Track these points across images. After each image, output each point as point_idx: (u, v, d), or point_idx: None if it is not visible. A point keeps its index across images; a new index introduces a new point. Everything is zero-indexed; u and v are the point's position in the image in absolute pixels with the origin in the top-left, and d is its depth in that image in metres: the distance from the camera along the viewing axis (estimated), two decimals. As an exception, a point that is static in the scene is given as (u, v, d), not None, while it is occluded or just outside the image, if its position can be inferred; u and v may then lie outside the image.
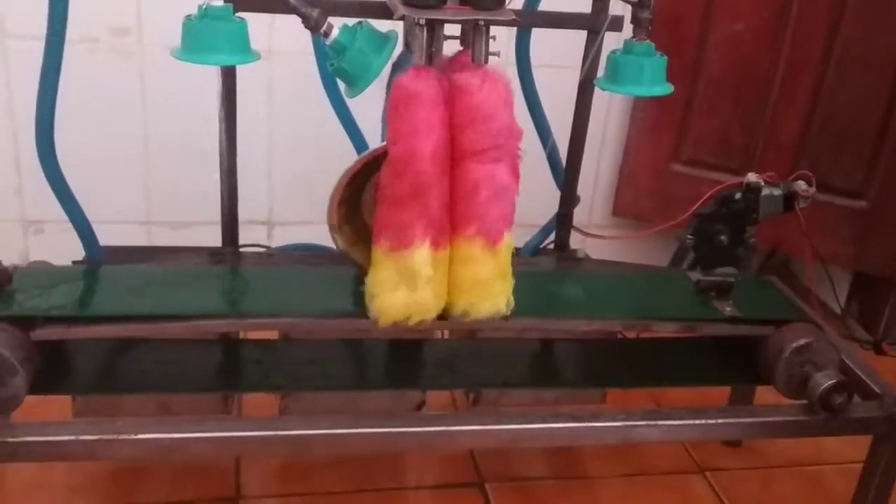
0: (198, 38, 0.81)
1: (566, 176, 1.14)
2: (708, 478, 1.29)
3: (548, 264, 1.13)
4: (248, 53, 0.85)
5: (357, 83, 0.86)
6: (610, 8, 1.01)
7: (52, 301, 0.90)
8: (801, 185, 1.22)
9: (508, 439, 0.92)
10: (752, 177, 1.22)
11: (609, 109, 1.76)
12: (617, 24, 0.97)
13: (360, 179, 0.90)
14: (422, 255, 0.85)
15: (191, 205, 1.63)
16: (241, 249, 1.14)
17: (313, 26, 0.85)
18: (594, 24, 0.98)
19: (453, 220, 0.87)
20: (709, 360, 1.08)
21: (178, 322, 0.89)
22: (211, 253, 1.07)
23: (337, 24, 0.87)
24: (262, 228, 1.72)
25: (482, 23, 0.80)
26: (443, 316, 0.90)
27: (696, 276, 1.10)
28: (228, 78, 0.95)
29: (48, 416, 0.92)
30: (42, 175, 1.05)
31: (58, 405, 0.99)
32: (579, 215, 1.82)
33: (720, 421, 0.94)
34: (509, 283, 0.90)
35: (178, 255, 1.13)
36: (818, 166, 1.64)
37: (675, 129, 1.70)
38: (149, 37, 1.53)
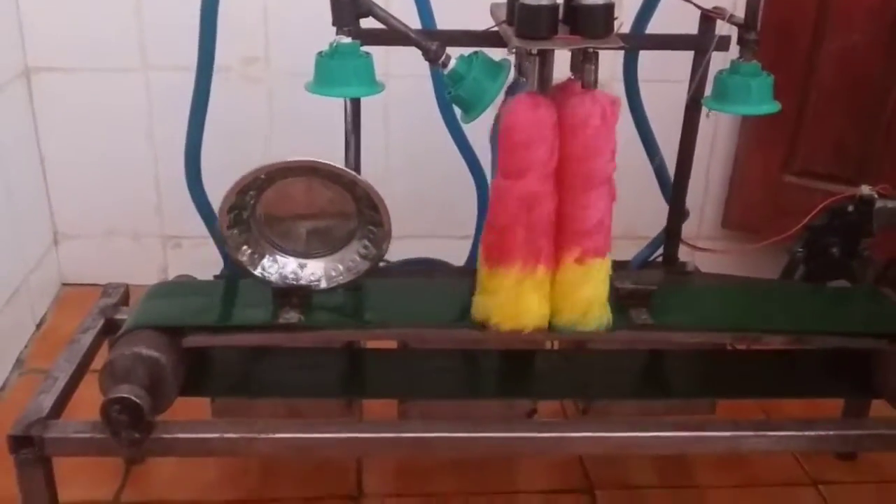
0: (329, 73, 0.89)
1: (674, 191, 1.16)
2: (820, 490, 1.28)
3: (655, 277, 1.16)
4: (374, 85, 0.92)
5: (473, 110, 0.92)
6: (717, 28, 1.04)
7: (198, 312, 0.99)
8: (916, 196, 1.21)
9: (617, 446, 0.96)
10: (865, 189, 1.22)
11: (718, 121, 1.77)
12: (724, 43, 0.99)
13: (252, 190, 0.93)
14: (522, 272, 0.91)
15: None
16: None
17: (433, 58, 0.91)
18: (701, 44, 1.01)
19: (558, 240, 0.92)
20: (821, 372, 1.09)
21: (308, 332, 0.97)
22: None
23: (454, 53, 0.94)
24: (377, 241, 1.81)
25: (591, 50, 0.85)
26: (551, 329, 0.95)
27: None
28: (354, 105, 1.03)
29: (189, 416, 1.02)
30: (179, 194, 1.16)
31: (196, 407, 1.09)
32: (688, 228, 1.83)
33: (830, 433, 0.95)
34: (604, 298, 0.94)
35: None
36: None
37: (787, 140, 1.69)
38: (275, 63, 1.64)
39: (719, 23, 1.04)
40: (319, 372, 1.08)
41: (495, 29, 0.96)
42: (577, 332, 0.95)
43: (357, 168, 1.07)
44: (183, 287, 1.08)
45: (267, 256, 0.97)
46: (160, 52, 1.62)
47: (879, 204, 1.20)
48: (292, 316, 0.96)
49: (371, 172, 1.68)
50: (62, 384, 0.98)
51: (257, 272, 0.97)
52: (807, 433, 0.94)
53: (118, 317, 1.12)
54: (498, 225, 0.91)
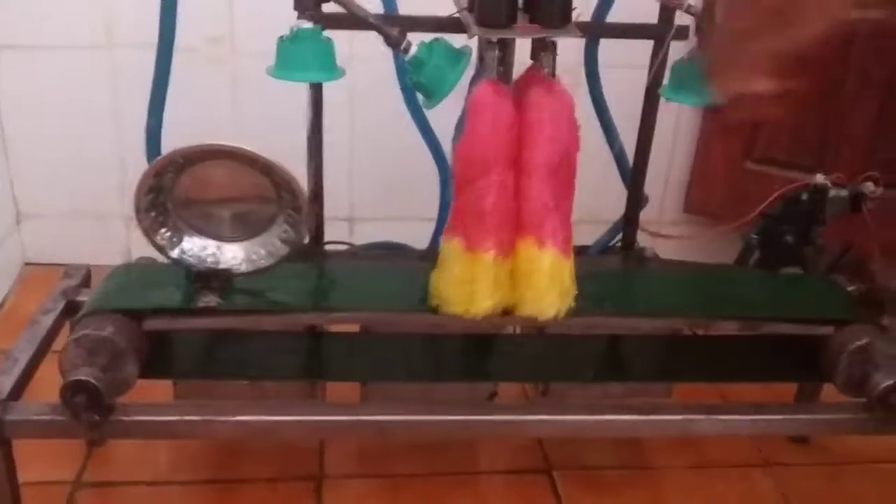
0: (290, 57, 0.90)
1: (632, 178, 1.18)
2: (773, 472, 1.32)
3: (613, 263, 1.18)
4: (335, 71, 0.93)
5: (434, 96, 0.92)
6: (677, 18, 1.05)
7: (158, 295, 0.99)
8: (868, 186, 1.24)
9: (572, 429, 0.98)
10: (819, 178, 1.24)
11: (681, 108, 1.78)
12: (682, 33, 1.01)
13: (171, 173, 0.93)
14: (485, 258, 0.92)
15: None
16: (325, 246, 1.23)
17: (394, 44, 0.92)
18: (660, 33, 1.02)
19: (517, 227, 0.93)
20: (774, 357, 1.11)
21: (270, 315, 0.98)
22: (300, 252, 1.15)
23: (416, 39, 0.94)
24: (343, 224, 1.82)
25: (549, 40, 0.86)
26: (508, 313, 0.96)
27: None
28: (316, 90, 1.03)
29: (152, 398, 1.02)
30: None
31: (160, 389, 1.09)
32: (651, 212, 1.86)
33: (778, 417, 0.98)
34: (570, 284, 0.95)
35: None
36: (892, 163, 1.64)
37: (748, 128, 1.72)
38: (241, 44, 1.63)
39: (679, 13, 1.05)
40: (283, 354, 1.09)
41: (458, 15, 0.96)
42: (534, 319, 0.96)
43: (319, 153, 1.07)
44: (144, 270, 1.08)
45: (186, 239, 0.96)
46: (126, 30, 1.60)
47: (832, 193, 1.23)
48: (211, 300, 0.96)
49: (337, 156, 1.70)
50: (22, 365, 0.98)
51: (174, 254, 0.96)
52: (755, 418, 0.97)
53: (79, 298, 1.12)
54: (461, 213, 0.92)
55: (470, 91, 0.91)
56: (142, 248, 1.66)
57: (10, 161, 1.68)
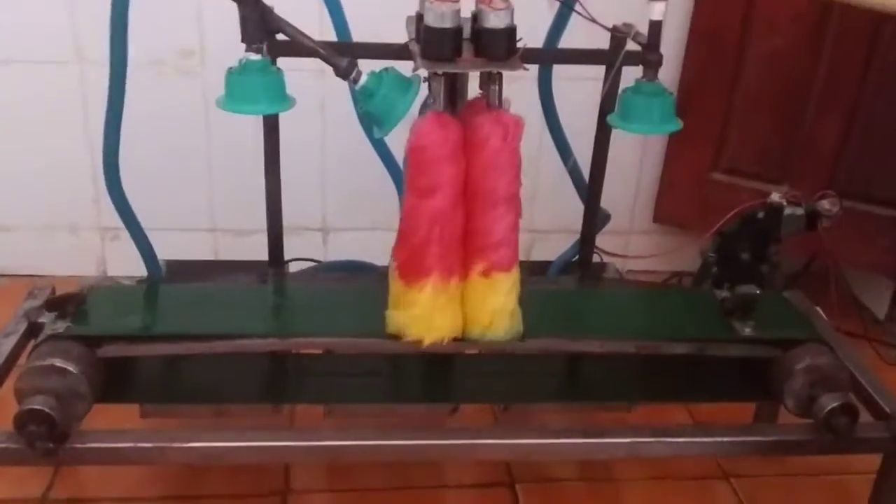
0: (239, 90, 0.91)
1: (588, 199, 1.19)
2: (733, 484, 1.34)
3: (570, 283, 1.19)
4: (285, 101, 0.94)
5: (384, 125, 0.93)
6: (627, 43, 1.06)
7: (115, 321, 1.01)
8: (824, 204, 1.25)
9: (525, 453, 1.00)
10: (774, 196, 1.25)
11: (651, 119, 1.80)
12: (633, 59, 1.01)
13: None
14: (436, 287, 0.94)
15: (253, 214, 1.75)
16: (292, 261, 1.24)
17: (344, 75, 0.93)
18: (611, 59, 1.04)
19: (466, 255, 0.94)
20: (729, 376, 1.12)
21: (226, 341, 0.99)
22: (261, 272, 1.17)
23: (368, 66, 0.95)
24: (317, 235, 1.83)
25: (495, 72, 0.87)
26: (460, 338, 0.98)
27: (721, 294, 1.15)
28: (270, 119, 1.04)
29: (119, 416, 1.04)
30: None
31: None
32: (621, 222, 1.89)
33: (726, 440, 1.00)
34: (518, 308, 0.97)
35: (231, 270, 1.25)
36: (857, 176, 1.66)
37: (715, 140, 1.74)
38: (211, 57, 1.64)
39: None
40: (243, 376, 1.10)
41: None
42: (485, 343, 0.98)
43: (276, 176, 1.08)
44: (102, 294, 1.09)
45: None
46: (95, 46, 1.60)
47: (788, 211, 1.24)
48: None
49: (309, 167, 1.71)
50: (-20, 393, 0.99)
51: None
52: (703, 440, 0.99)
53: (41, 320, 1.13)
54: (410, 242, 0.93)
55: (417, 121, 0.92)
56: (117, 260, 1.68)
57: (-19, 175, 1.69)
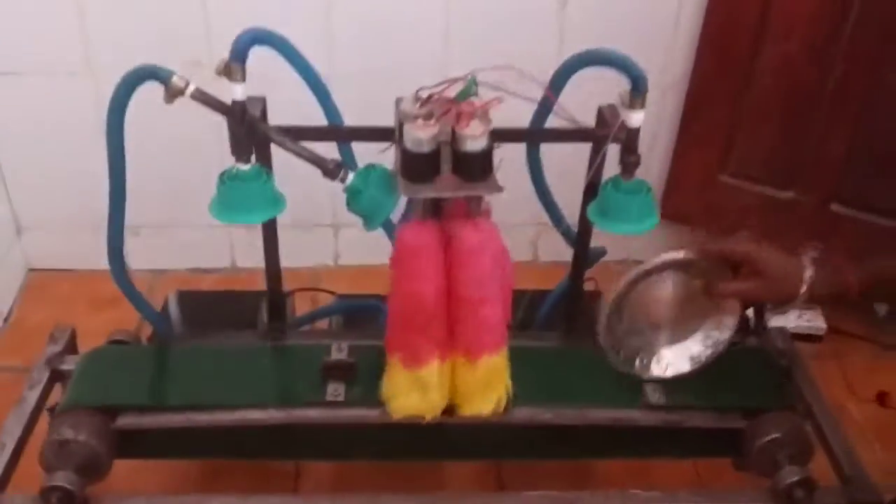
0: (230, 198, 0.95)
1: (573, 266, 1.22)
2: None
3: (554, 339, 1.25)
4: (278, 205, 0.98)
5: (372, 222, 0.98)
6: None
7: (128, 389, 1.09)
8: (808, 252, 1.27)
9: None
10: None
11: (660, 113, 1.80)
12: (619, 137, 1.03)
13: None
14: (429, 370, 1.00)
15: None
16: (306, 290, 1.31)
17: (331, 176, 0.97)
18: (598, 137, 1.05)
19: (453, 341, 1.00)
20: (705, 436, 1.17)
21: (230, 412, 1.07)
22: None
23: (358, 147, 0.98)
24: (328, 230, 1.89)
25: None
26: (448, 412, 1.05)
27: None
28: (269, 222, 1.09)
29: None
30: (135, 186, 1.21)
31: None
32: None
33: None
34: (501, 387, 1.04)
35: (239, 301, 1.34)
36: (862, 186, 1.66)
37: (722, 144, 1.74)
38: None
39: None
40: (249, 437, 1.16)
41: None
42: (471, 417, 1.05)
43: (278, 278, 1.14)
44: (115, 358, 1.17)
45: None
46: (105, 57, 1.64)
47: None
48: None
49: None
50: (9, 452, 1.09)
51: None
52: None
53: (64, 367, 1.22)
54: (399, 333, 1.00)
55: (401, 223, 0.96)
56: (137, 254, 1.74)
57: (7, 180, 1.76)
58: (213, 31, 1.63)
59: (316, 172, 1.05)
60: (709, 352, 1.10)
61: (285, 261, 1.23)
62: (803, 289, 1.00)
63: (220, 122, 1.01)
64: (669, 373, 1.11)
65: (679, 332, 1.11)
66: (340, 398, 1.08)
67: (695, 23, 1.67)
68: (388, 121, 1.00)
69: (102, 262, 1.80)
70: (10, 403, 1.38)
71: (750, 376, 1.18)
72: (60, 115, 1.69)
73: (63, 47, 1.63)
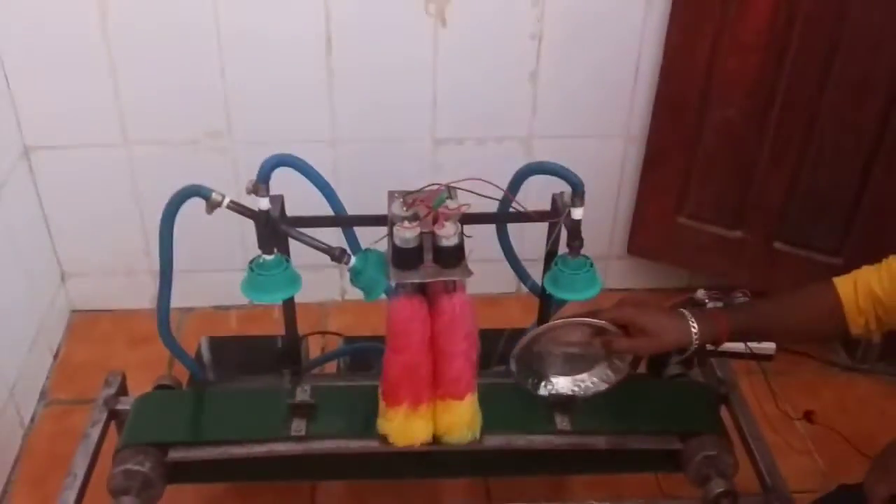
0: (258, 282, 1.19)
1: (539, 319, 1.46)
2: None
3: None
4: (296, 285, 1.23)
5: (370, 295, 1.23)
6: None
7: (176, 428, 1.35)
8: (739, 297, 1.52)
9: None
10: (699, 293, 1.52)
11: (624, 166, 2.05)
12: (568, 221, 1.26)
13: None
14: (407, 410, 1.25)
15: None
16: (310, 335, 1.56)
17: (337, 259, 1.21)
18: (553, 217, 1.30)
19: (435, 386, 1.25)
20: (650, 454, 1.41)
21: (259, 445, 1.32)
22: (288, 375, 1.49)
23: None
24: (335, 271, 2.13)
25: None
26: (436, 442, 1.30)
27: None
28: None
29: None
30: None
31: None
32: (601, 248, 2.16)
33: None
34: (476, 421, 1.29)
35: (261, 345, 1.59)
36: (800, 227, 1.91)
37: (678, 190, 1.98)
38: (237, 135, 1.91)
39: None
40: (274, 462, 1.41)
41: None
42: (450, 444, 1.30)
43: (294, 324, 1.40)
44: (162, 401, 1.42)
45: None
46: (137, 130, 1.89)
47: (710, 304, 1.51)
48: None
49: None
50: (81, 479, 1.34)
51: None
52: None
53: (119, 407, 1.47)
54: (389, 381, 1.24)
55: (392, 301, 1.21)
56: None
57: (53, 234, 2.01)
58: (231, 102, 1.88)
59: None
60: (602, 386, 1.34)
61: (299, 297, 1.47)
62: (695, 338, 1.23)
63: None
64: (552, 392, 1.35)
65: (577, 367, 1.35)
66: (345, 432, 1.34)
67: (650, 87, 1.91)
68: (384, 186, 1.26)
69: (136, 302, 2.09)
70: (64, 430, 1.66)
71: (688, 405, 1.43)
72: (99, 179, 1.95)
73: (102, 124, 1.87)
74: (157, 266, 1.40)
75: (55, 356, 2.01)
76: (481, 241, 1.24)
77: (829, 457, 1.81)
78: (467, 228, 1.17)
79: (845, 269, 1.85)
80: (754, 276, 1.96)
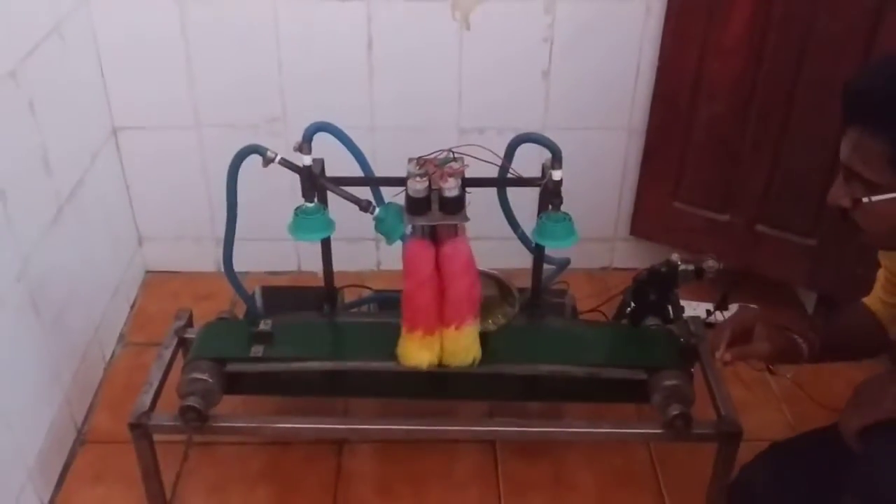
0: (302, 225, 1.51)
1: (533, 276, 1.74)
2: (649, 447, 1.92)
3: (522, 320, 1.77)
4: (331, 228, 1.53)
5: (390, 239, 1.52)
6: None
7: (231, 347, 1.66)
8: (708, 262, 1.78)
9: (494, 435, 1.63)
10: (674, 257, 1.79)
11: (627, 156, 2.32)
12: (555, 185, 1.55)
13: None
14: (422, 335, 1.54)
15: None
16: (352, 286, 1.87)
17: (363, 209, 1.52)
18: (540, 183, 1.58)
19: (442, 314, 1.54)
20: (623, 385, 1.68)
21: (300, 362, 1.63)
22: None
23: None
24: (371, 243, 2.43)
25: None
26: (442, 365, 1.59)
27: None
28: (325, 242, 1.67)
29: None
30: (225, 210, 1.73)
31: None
32: (606, 229, 2.43)
33: (597, 430, 1.62)
34: (474, 349, 1.57)
35: (306, 294, 1.90)
36: (779, 211, 2.15)
37: (674, 177, 2.24)
38: (291, 121, 2.24)
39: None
40: (312, 378, 1.72)
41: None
42: (455, 367, 1.58)
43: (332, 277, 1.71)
44: (223, 327, 1.74)
45: None
46: (208, 114, 2.23)
47: (682, 267, 1.78)
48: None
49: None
50: (155, 387, 1.66)
51: None
52: (594, 430, 1.63)
53: (187, 336, 1.79)
54: (408, 311, 1.54)
55: (406, 239, 1.50)
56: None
57: (133, 203, 2.36)
58: (286, 93, 2.21)
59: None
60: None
61: (339, 266, 1.79)
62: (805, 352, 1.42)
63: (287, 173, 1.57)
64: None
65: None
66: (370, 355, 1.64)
67: (649, 85, 2.18)
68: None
69: (202, 265, 2.42)
70: (138, 365, 1.98)
71: (655, 346, 1.70)
72: (174, 156, 2.29)
73: (178, 109, 2.22)
74: (220, 234, 1.71)
75: (132, 307, 2.35)
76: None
77: (796, 412, 2.03)
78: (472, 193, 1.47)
79: (819, 249, 2.13)
80: (741, 256, 2.20)
